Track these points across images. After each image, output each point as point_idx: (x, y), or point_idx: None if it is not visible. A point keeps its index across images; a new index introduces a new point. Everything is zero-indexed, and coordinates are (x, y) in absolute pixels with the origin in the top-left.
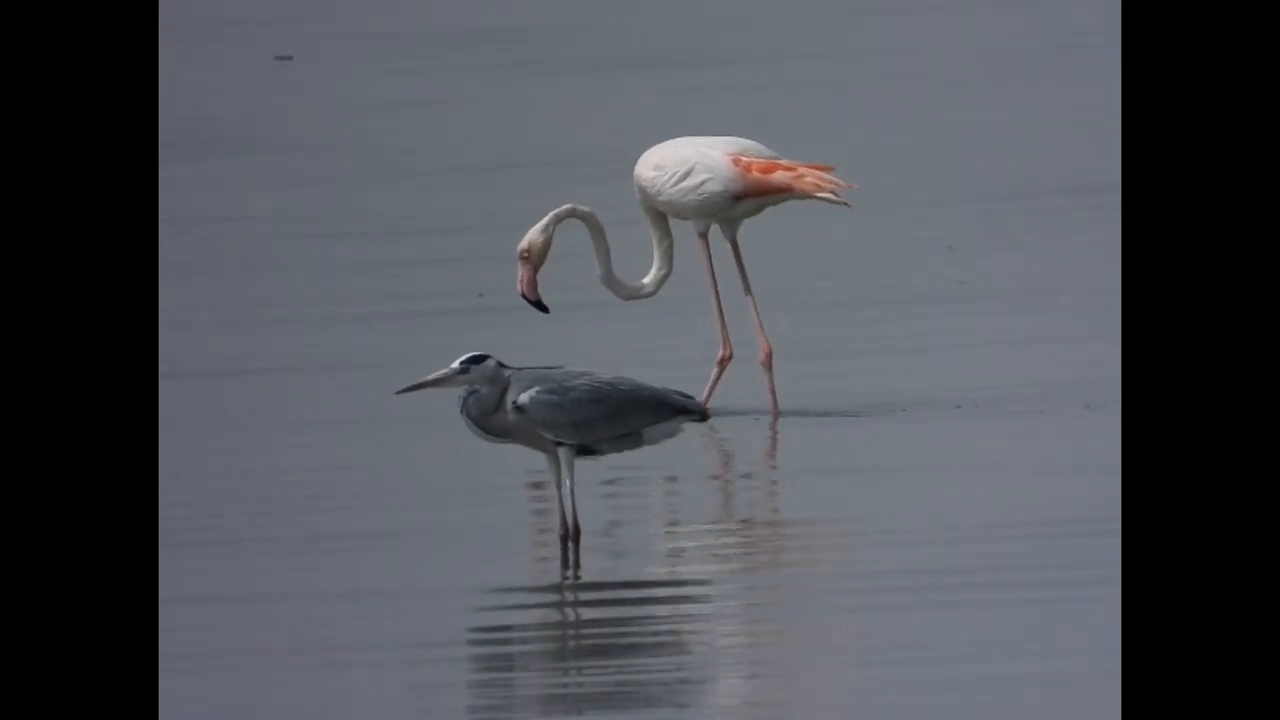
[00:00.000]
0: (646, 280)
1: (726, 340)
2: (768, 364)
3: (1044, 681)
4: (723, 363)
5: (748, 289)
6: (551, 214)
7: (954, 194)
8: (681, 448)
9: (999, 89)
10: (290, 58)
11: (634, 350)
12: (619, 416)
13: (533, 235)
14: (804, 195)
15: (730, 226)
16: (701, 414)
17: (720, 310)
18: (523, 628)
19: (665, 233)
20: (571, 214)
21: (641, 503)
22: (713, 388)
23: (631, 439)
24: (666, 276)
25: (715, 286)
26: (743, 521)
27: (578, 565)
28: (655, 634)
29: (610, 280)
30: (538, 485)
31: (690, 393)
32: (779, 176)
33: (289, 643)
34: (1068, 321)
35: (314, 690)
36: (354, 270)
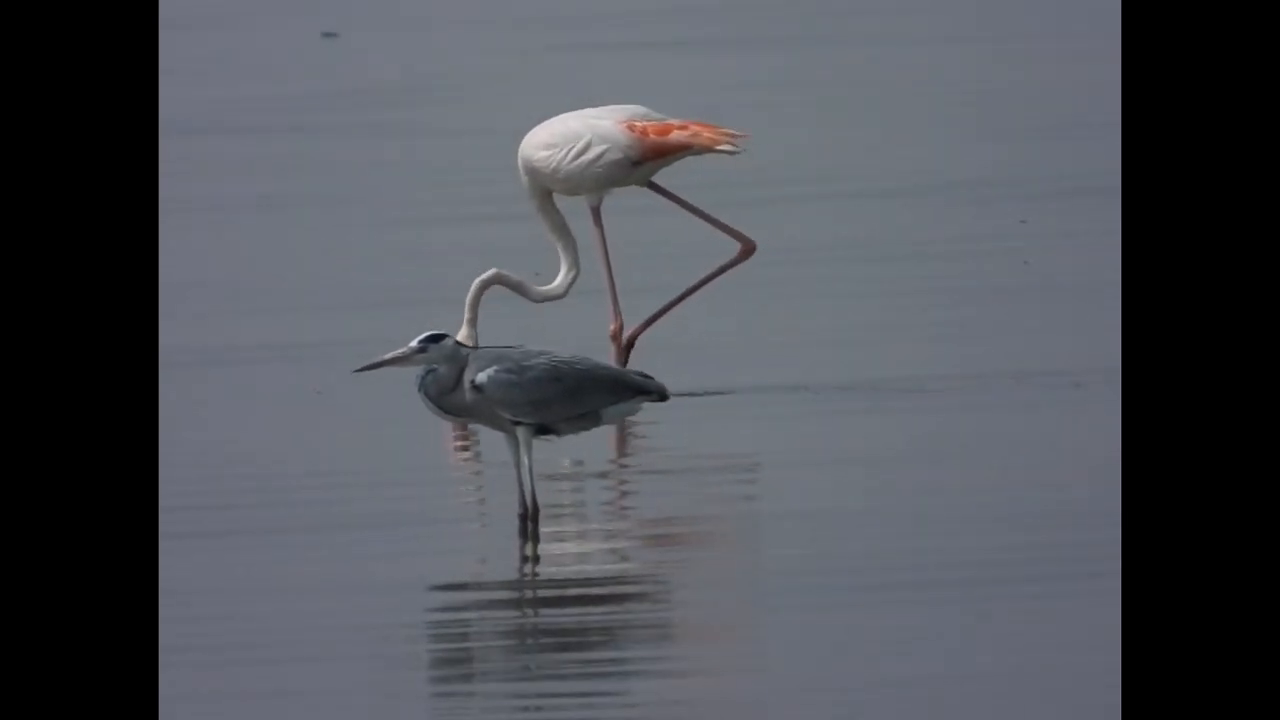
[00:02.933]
0: (563, 271)
1: (617, 314)
2: (617, 336)
3: (1041, 674)
4: (616, 337)
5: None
6: (465, 320)
7: (1022, 174)
8: (659, 432)
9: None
10: (336, 34)
11: (592, 334)
12: (577, 395)
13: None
14: (702, 150)
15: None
16: (661, 394)
17: (613, 284)
18: (481, 621)
19: (554, 211)
20: (479, 295)
21: (595, 495)
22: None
23: (590, 418)
24: (575, 247)
25: (608, 261)
26: (717, 511)
27: (536, 545)
28: (618, 624)
29: (541, 296)
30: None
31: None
32: (676, 135)
33: (248, 637)
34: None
35: (273, 684)
36: (386, 256)
